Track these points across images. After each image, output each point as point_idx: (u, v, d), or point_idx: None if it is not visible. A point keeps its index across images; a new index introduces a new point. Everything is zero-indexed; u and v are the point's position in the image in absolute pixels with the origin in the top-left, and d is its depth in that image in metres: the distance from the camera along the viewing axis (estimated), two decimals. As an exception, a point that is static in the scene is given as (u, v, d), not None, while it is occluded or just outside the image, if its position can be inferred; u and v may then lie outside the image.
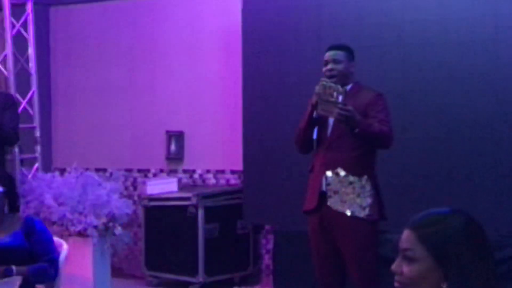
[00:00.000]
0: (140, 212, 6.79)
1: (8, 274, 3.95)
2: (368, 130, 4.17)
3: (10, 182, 4.31)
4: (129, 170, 7.29)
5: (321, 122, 4.34)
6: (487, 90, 5.29)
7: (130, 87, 7.37)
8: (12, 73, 6.48)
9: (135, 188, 7.25)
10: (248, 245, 6.61)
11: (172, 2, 7.16)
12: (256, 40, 6.16)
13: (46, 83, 7.56)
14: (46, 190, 5.94)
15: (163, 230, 6.51)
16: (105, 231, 5.80)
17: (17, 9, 6.66)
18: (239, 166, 6.43)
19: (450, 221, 1.84)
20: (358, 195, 4.25)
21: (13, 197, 4.28)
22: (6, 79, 6.53)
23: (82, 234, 5.73)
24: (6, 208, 4.20)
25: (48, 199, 5.83)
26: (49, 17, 7.77)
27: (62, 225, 5.77)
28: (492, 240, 1.91)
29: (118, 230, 5.84)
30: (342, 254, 4.31)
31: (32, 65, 6.67)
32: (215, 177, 6.96)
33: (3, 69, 6.55)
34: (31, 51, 6.68)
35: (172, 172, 7.14)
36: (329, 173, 4.28)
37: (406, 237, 1.86)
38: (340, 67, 4.36)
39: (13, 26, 6.58)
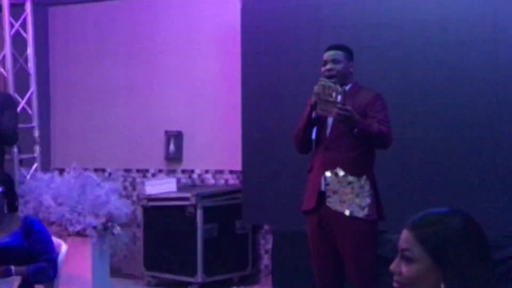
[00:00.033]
0: (139, 212, 6.79)
1: (7, 274, 3.95)
2: (367, 130, 4.17)
3: (9, 182, 4.32)
4: (128, 170, 7.28)
5: (320, 122, 4.34)
6: (487, 90, 5.29)
7: (129, 87, 7.37)
8: (11, 73, 6.48)
9: (134, 188, 7.25)
10: (247, 245, 6.61)
11: (171, 2, 7.16)
12: (255, 40, 6.15)
13: (45, 83, 7.55)
14: (45, 190, 5.94)
15: (162, 230, 6.50)
16: (104, 231, 5.80)
17: (16, 9, 6.66)
18: (238, 166, 6.43)
19: (449, 221, 1.84)
20: (357, 195, 4.25)
21: (12, 197, 4.28)
22: (5, 79, 6.53)
23: (81, 234, 5.72)
24: (5, 208, 4.20)
25: (47, 199, 5.83)
26: (48, 17, 7.77)
27: (61, 225, 5.76)
28: (491, 240, 1.91)
29: (117, 230, 5.84)
30: (341, 254, 4.31)
31: (31, 65, 6.67)
32: (214, 177, 6.95)
33: (1, 69, 6.55)
34: (30, 51, 6.68)
35: (171, 172, 7.13)
36: (328, 173, 4.27)
37: (405, 237, 1.86)
38: (339, 67, 4.36)
39: (12, 26, 6.57)
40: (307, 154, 4.51)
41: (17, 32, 6.64)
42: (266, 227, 6.62)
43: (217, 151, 6.88)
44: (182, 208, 6.37)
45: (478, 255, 1.81)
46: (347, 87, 4.33)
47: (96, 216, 5.76)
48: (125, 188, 7.15)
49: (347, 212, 4.23)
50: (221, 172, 6.91)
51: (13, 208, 4.27)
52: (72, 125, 7.64)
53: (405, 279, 1.84)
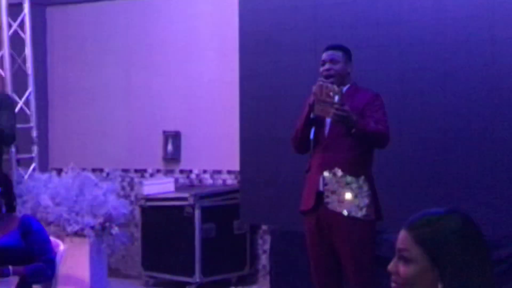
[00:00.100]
0: (137, 212, 6.80)
1: (4, 274, 3.95)
2: (365, 130, 4.18)
3: (6, 182, 4.31)
4: (126, 170, 7.28)
5: (319, 122, 4.34)
6: (484, 90, 5.29)
7: (127, 87, 7.37)
8: (9, 73, 6.48)
9: (132, 188, 7.24)
10: (245, 245, 6.61)
11: (169, 2, 7.16)
12: (253, 40, 6.15)
13: (43, 83, 7.55)
14: (43, 190, 5.94)
15: (160, 230, 6.50)
16: (102, 231, 5.80)
17: (14, 9, 6.66)
18: (236, 166, 6.43)
19: (446, 221, 1.84)
20: (356, 196, 4.25)
21: (9, 197, 4.27)
22: (3, 79, 6.53)
23: (79, 234, 5.72)
24: (3, 208, 4.20)
25: (45, 199, 5.83)
26: (45, 17, 7.76)
27: (58, 225, 5.76)
28: (490, 240, 1.91)
29: (115, 230, 5.84)
30: (338, 254, 4.31)
31: (29, 65, 6.67)
32: (212, 177, 6.95)
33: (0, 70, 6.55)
34: (28, 51, 6.68)
35: (169, 172, 7.13)
36: (326, 173, 4.27)
37: (402, 237, 1.86)
38: (337, 67, 4.36)
39: (10, 26, 6.57)
40: (305, 154, 4.51)
41: (15, 32, 6.63)
42: (264, 227, 6.62)
43: (215, 151, 6.89)
44: (180, 208, 6.37)
45: (476, 255, 1.81)
46: (345, 88, 4.34)
47: (94, 216, 5.76)
48: (123, 188, 7.16)
49: (345, 212, 4.23)
50: (219, 172, 6.91)
51: (11, 208, 4.27)
52: (70, 125, 7.63)
53: (402, 279, 1.84)
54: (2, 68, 6.50)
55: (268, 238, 6.43)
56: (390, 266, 1.88)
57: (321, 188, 4.29)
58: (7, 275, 3.95)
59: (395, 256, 1.88)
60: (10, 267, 3.97)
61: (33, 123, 6.66)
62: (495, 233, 4.97)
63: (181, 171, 7.09)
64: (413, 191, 5.39)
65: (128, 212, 6.16)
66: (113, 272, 6.73)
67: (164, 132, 7.12)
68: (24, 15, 6.69)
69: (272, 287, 5.96)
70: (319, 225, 4.32)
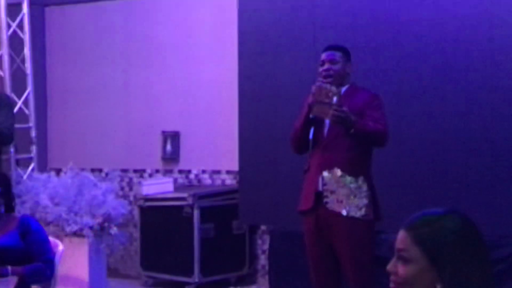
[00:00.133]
0: (136, 212, 6.79)
1: (3, 274, 3.94)
2: (363, 129, 4.18)
3: (5, 182, 4.31)
4: (124, 170, 7.28)
5: (318, 122, 4.34)
6: (483, 90, 5.29)
7: (125, 87, 7.36)
8: (8, 73, 6.47)
9: (130, 188, 7.24)
10: (244, 245, 6.61)
11: (168, 2, 7.15)
12: (252, 40, 6.15)
13: (42, 83, 7.55)
14: (42, 190, 5.93)
15: (159, 231, 6.50)
16: (101, 231, 5.79)
17: (13, 9, 6.65)
18: (235, 167, 6.42)
19: (445, 221, 1.84)
20: (355, 195, 4.25)
21: (8, 197, 4.27)
22: (2, 79, 6.52)
23: (77, 234, 5.72)
24: (2, 208, 4.19)
25: (44, 199, 5.82)
26: (44, 17, 7.76)
27: (57, 225, 5.76)
28: (488, 240, 1.91)
29: (114, 230, 5.83)
30: (337, 254, 4.31)
31: (28, 65, 6.66)
32: (210, 177, 6.95)
33: (-2, 69, 6.55)
34: (27, 51, 6.67)
35: (167, 172, 7.13)
36: (325, 173, 4.27)
37: (401, 237, 1.86)
38: (336, 67, 4.36)
39: (9, 26, 6.57)
40: (303, 154, 4.51)
41: (14, 32, 6.63)
42: (263, 227, 6.62)
43: (214, 151, 6.88)
44: (179, 208, 6.37)
45: (475, 256, 1.81)
46: (344, 88, 4.34)
47: (93, 216, 5.76)
48: (122, 188, 7.15)
49: (344, 212, 4.23)
50: (218, 172, 6.91)
51: (10, 208, 4.27)
52: (69, 125, 7.63)
53: (401, 279, 1.84)
54: (1, 68, 6.50)
55: (267, 238, 6.43)
56: (389, 266, 1.88)
57: (320, 188, 4.29)
58: (6, 275, 3.95)
59: (394, 256, 1.88)
60: (9, 267, 3.97)
61: (32, 123, 6.65)
62: (494, 233, 4.97)
63: (180, 171, 7.09)
64: (413, 191, 5.39)
65: (127, 212, 6.15)
66: (112, 272, 6.73)
67: (163, 132, 7.11)
68: (23, 15, 6.68)
69: (271, 287, 5.96)
70: (318, 225, 4.32)
